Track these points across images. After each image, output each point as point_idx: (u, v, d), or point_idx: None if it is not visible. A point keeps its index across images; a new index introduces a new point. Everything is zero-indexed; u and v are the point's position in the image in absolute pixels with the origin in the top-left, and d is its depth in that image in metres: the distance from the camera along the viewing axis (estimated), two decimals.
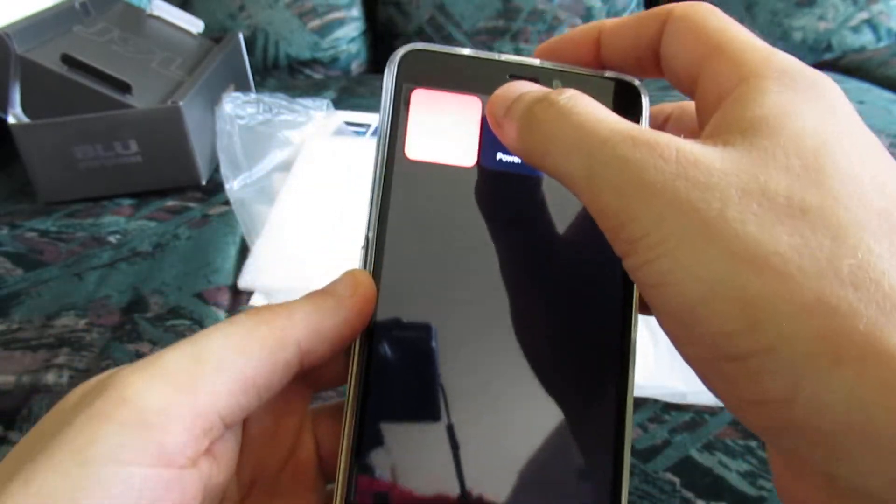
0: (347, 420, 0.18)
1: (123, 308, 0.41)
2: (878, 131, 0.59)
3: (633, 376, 0.19)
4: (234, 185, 0.51)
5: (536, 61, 0.20)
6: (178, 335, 0.38)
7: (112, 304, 0.41)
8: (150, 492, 0.14)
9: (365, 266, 0.19)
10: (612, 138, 0.15)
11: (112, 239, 0.48)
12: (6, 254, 0.46)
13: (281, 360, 0.16)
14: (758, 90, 0.15)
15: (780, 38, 0.98)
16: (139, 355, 0.37)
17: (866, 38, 0.99)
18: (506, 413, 0.18)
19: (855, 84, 0.75)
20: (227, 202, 0.51)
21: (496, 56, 0.20)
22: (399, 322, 0.19)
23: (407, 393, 0.18)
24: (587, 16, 0.99)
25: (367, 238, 0.19)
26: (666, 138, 0.14)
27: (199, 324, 0.39)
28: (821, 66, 0.95)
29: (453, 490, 0.18)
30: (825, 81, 0.15)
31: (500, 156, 0.19)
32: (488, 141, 0.19)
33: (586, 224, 0.18)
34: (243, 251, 0.46)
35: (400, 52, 0.20)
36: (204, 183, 0.55)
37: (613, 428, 0.18)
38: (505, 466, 0.18)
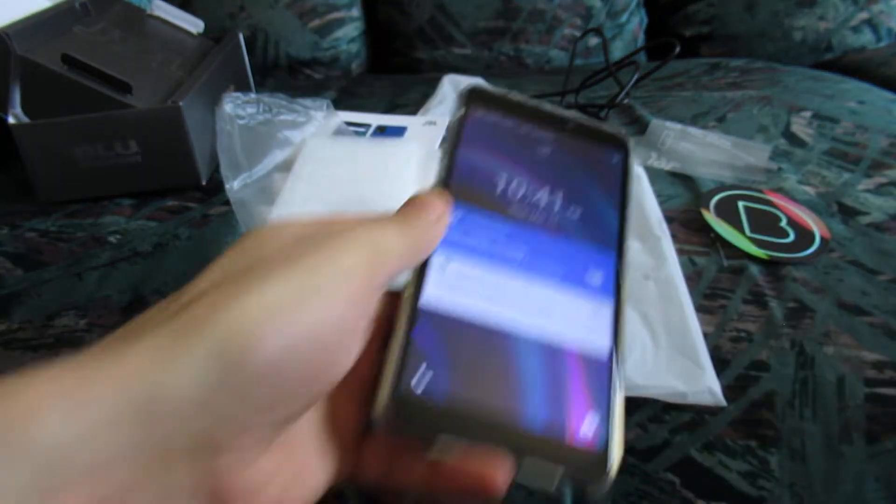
0: (405, 309, 0.21)
1: (123, 308, 0.41)
2: (878, 131, 0.59)
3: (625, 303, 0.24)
4: (234, 185, 0.51)
5: None
6: None
7: (112, 304, 0.41)
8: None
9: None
10: None
11: (112, 239, 0.48)
12: (6, 254, 0.46)
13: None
14: None
15: (780, 38, 0.98)
16: None
17: (866, 38, 0.99)
18: (527, 322, 0.23)
19: (855, 84, 0.75)
20: (227, 202, 0.51)
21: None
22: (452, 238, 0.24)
23: (462, 296, 0.22)
24: (587, 16, 0.99)
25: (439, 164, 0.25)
26: None
27: None
28: (821, 66, 0.95)
29: (487, 382, 0.21)
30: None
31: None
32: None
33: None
34: None
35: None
36: (204, 183, 0.55)
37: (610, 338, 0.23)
38: (527, 369, 0.22)
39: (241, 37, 0.69)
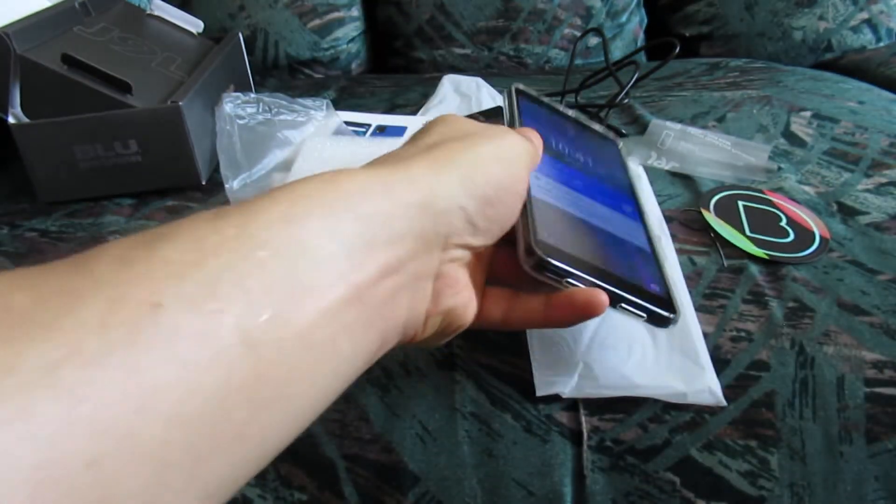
0: (527, 207, 0.30)
1: None
2: (878, 131, 0.59)
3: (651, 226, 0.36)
4: (234, 185, 0.51)
5: None
6: None
7: None
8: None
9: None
10: None
11: (112, 239, 0.48)
12: (6, 254, 0.46)
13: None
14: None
15: (780, 38, 0.98)
16: None
17: (866, 38, 0.99)
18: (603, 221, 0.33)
19: (855, 84, 0.75)
20: (227, 202, 0.51)
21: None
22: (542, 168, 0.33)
23: (556, 197, 0.32)
24: (587, 16, 0.99)
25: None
26: None
27: None
28: (821, 66, 0.95)
29: (587, 246, 0.30)
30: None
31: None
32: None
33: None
34: None
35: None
36: (204, 183, 0.55)
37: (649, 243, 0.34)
38: (608, 246, 0.31)
39: (240, 37, 0.70)
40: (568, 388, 0.33)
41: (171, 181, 0.54)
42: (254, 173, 0.53)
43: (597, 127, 0.41)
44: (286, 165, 0.54)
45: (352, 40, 1.00)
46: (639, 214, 0.36)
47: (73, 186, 0.53)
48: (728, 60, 0.88)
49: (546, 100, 0.40)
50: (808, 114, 0.64)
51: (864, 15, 0.98)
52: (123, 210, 0.52)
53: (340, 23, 0.98)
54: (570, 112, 0.40)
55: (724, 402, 0.33)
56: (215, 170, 0.55)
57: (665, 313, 0.29)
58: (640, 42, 1.06)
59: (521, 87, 0.39)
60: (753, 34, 0.99)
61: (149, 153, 0.52)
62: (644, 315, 0.29)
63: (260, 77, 0.92)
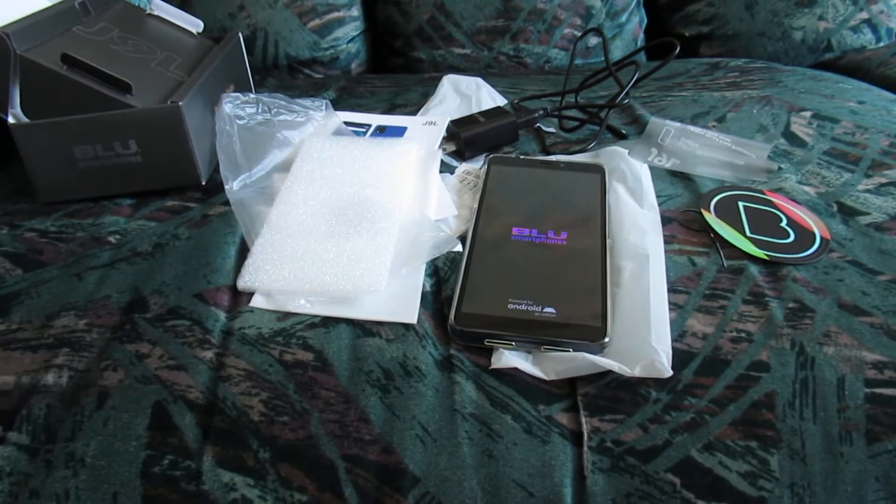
0: (462, 266, 0.39)
1: (123, 308, 0.41)
2: (878, 131, 0.59)
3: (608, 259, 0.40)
4: (233, 186, 0.51)
5: None
6: (178, 335, 0.38)
7: (112, 304, 0.41)
8: None
9: None
10: None
11: (112, 239, 0.48)
12: (6, 254, 0.46)
13: None
14: None
15: (780, 38, 0.98)
16: (139, 355, 0.37)
17: (866, 38, 0.99)
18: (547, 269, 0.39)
19: (855, 84, 0.75)
20: (226, 202, 0.51)
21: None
22: (489, 229, 0.41)
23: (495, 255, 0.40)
24: (587, 16, 0.99)
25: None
26: None
27: (198, 324, 0.39)
28: (821, 66, 0.95)
29: (518, 303, 0.37)
30: None
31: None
32: None
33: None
34: (243, 251, 0.46)
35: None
36: (204, 183, 0.55)
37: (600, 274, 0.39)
38: (543, 291, 0.38)
39: (240, 37, 0.69)
40: (527, 362, 0.35)
41: (171, 181, 0.54)
42: (253, 174, 0.53)
43: (581, 158, 0.45)
44: (286, 165, 0.54)
45: (352, 40, 1.00)
46: (601, 246, 0.40)
47: (73, 186, 0.53)
48: (728, 60, 0.88)
49: (524, 157, 0.45)
50: (808, 114, 0.64)
51: (864, 15, 0.98)
52: (123, 210, 0.52)
53: (340, 23, 0.98)
54: (553, 158, 0.44)
55: (668, 374, 0.33)
56: (215, 170, 0.55)
57: (589, 343, 0.35)
58: (640, 42, 1.06)
59: (499, 154, 0.45)
60: (753, 34, 0.99)
61: (149, 153, 0.52)
62: (569, 349, 0.34)
63: (260, 77, 0.92)
